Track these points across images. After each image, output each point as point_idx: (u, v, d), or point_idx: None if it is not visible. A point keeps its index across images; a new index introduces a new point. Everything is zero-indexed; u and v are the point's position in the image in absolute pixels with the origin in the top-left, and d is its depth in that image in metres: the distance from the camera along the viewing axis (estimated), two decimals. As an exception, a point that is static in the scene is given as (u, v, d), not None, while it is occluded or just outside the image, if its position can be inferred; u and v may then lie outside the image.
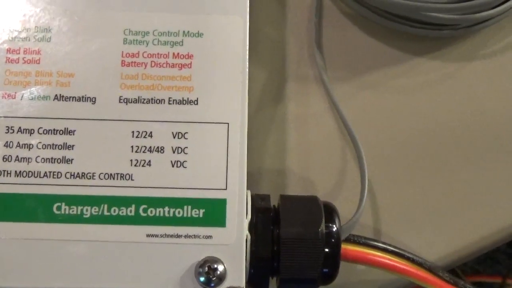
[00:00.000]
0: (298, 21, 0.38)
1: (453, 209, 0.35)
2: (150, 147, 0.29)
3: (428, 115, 0.36)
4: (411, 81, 0.37)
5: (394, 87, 0.37)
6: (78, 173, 0.29)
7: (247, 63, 0.30)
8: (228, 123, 0.29)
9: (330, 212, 0.30)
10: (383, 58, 0.37)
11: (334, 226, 0.29)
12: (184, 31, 0.31)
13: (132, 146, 0.29)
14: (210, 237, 0.28)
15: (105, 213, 0.28)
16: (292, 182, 0.35)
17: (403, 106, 0.36)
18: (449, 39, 0.37)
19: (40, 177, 0.28)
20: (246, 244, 0.28)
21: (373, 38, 0.37)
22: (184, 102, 0.30)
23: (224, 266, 0.28)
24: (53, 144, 0.29)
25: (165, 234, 0.28)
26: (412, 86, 0.37)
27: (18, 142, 0.29)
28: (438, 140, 0.36)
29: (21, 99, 0.29)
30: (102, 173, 0.29)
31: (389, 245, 0.31)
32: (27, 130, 0.29)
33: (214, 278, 0.27)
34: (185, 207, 0.28)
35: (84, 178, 0.28)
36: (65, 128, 0.29)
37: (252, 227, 0.29)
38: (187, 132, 0.29)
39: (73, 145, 0.29)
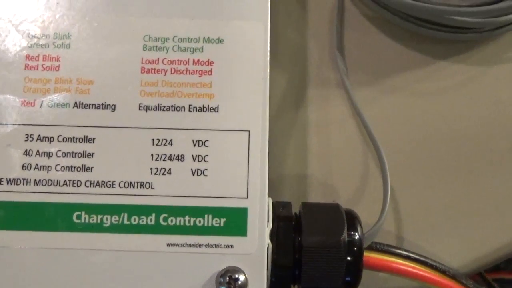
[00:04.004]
0: (319, 24, 0.37)
1: (476, 216, 0.34)
2: (170, 155, 0.29)
3: (452, 120, 0.36)
4: (434, 85, 0.36)
5: (417, 91, 0.36)
6: (98, 181, 0.28)
7: (268, 69, 0.30)
8: (249, 131, 0.29)
9: (352, 220, 0.29)
10: (405, 61, 0.37)
11: (356, 234, 0.29)
12: (204, 37, 0.30)
13: (152, 154, 0.29)
14: (231, 246, 0.28)
15: (125, 222, 0.28)
16: (313, 189, 0.34)
17: (426, 111, 0.36)
18: (473, 42, 0.37)
19: (59, 185, 0.28)
20: (267, 252, 0.28)
21: (396, 41, 0.37)
22: (205, 109, 0.29)
23: (245, 276, 0.27)
24: (72, 152, 0.29)
25: (186, 244, 0.28)
26: (435, 90, 0.36)
27: (38, 150, 0.29)
28: (461, 145, 0.35)
29: (40, 107, 0.29)
30: (122, 182, 0.28)
31: (412, 252, 0.31)
32: (47, 138, 0.29)
33: (235, 288, 0.27)
34: (206, 216, 0.28)
35: (104, 186, 0.28)
36: (84, 136, 0.29)
37: (273, 235, 0.29)
38: (207, 140, 0.29)
39: (92, 153, 0.29)
